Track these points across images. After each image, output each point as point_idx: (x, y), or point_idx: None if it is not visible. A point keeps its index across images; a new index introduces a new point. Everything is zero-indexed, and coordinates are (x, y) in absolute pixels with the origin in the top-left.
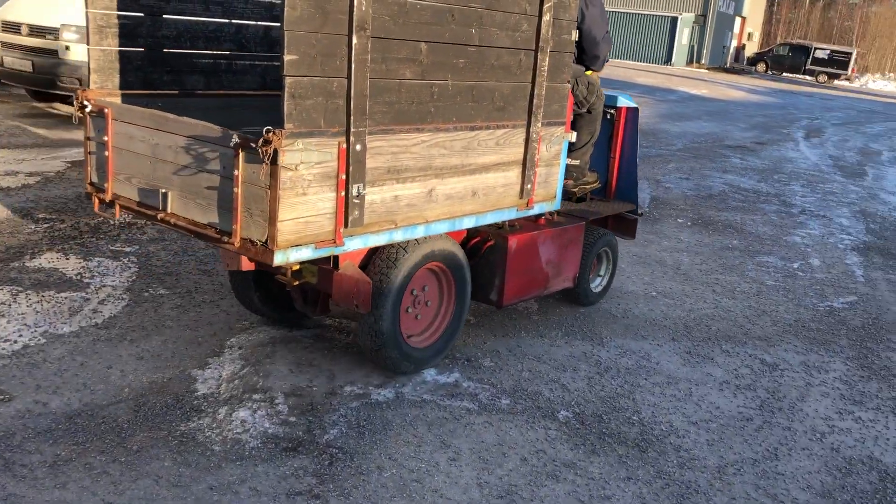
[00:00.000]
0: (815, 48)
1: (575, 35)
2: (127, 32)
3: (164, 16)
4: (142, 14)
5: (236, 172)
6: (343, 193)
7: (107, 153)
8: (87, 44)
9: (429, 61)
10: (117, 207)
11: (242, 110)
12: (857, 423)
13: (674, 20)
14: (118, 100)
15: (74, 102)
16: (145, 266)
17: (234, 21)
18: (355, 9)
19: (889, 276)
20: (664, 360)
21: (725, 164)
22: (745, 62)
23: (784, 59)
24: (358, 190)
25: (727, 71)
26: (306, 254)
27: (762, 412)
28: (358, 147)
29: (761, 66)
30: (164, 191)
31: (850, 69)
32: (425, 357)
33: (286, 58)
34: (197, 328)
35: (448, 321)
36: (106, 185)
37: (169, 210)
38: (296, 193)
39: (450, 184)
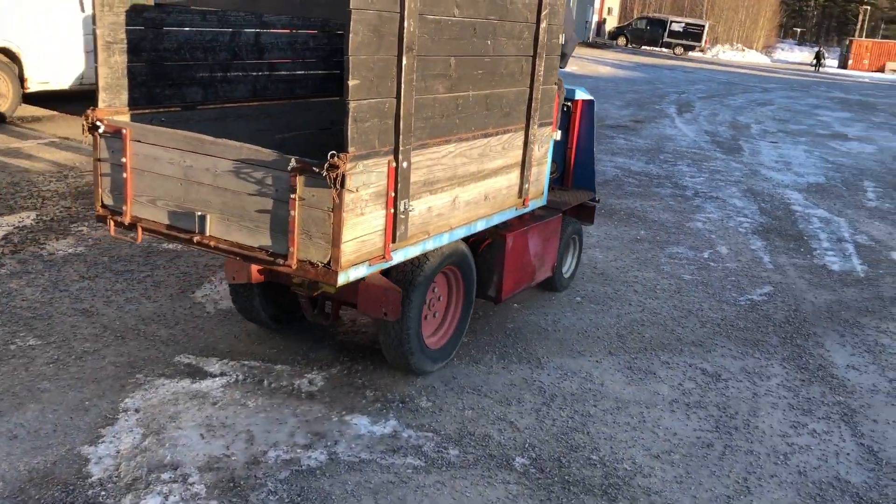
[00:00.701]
0: (671, 21)
1: (562, 38)
2: (132, 48)
3: (165, 28)
4: (144, 28)
5: (293, 196)
6: (392, 210)
7: (124, 175)
8: (96, 61)
9: (456, 75)
10: (139, 230)
11: (237, 120)
12: (814, 438)
13: None
14: (126, 117)
15: (84, 122)
16: (7, 309)
17: (227, 29)
18: (405, 30)
19: (794, 260)
20: (607, 379)
21: (612, 145)
22: (606, 36)
23: (643, 32)
24: (404, 206)
25: (591, 45)
26: (362, 271)
27: (720, 434)
28: (404, 164)
29: (622, 40)
30: (200, 213)
31: (703, 41)
32: (441, 357)
33: (351, 83)
34: (81, 388)
35: (457, 321)
36: (124, 207)
37: (207, 233)
38: (355, 214)
39: (469, 190)
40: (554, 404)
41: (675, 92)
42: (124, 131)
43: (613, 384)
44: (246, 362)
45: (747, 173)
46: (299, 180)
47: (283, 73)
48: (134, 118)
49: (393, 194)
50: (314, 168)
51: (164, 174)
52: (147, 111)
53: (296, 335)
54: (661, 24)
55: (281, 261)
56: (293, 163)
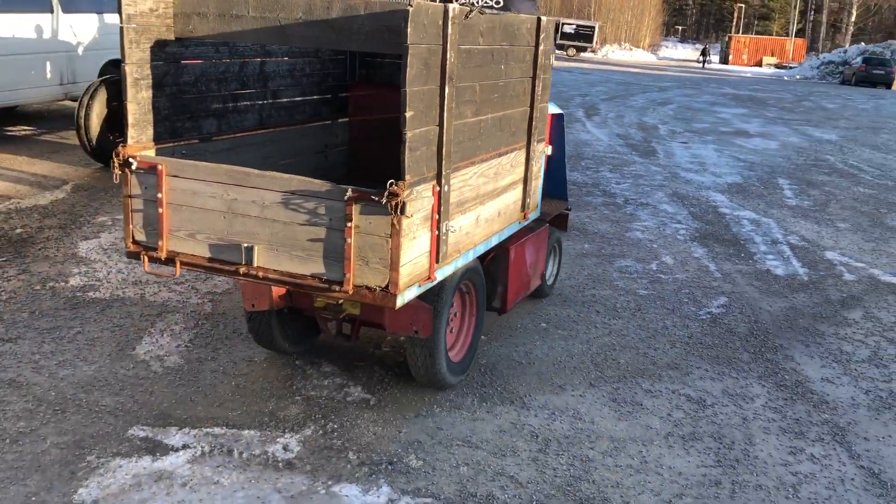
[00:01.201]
0: (563, 23)
1: (553, 58)
2: (157, 83)
3: (184, 62)
4: (166, 62)
5: (349, 224)
6: (436, 232)
7: (160, 210)
8: (125, 98)
9: (480, 100)
10: (178, 264)
11: (247, 149)
12: (815, 464)
13: None
14: (152, 152)
15: (115, 160)
16: None
17: (237, 60)
18: (447, 62)
19: (738, 266)
20: (596, 415)
21: None
22: None
23: None
24: (445, 227)
25: None
26: (413, 292)
27: (723, 469)
28: (446, 188)
29: None
30: (247, 245)
31: (594, 42)
32: (461, 370)
33: (407, 114)
34: (23, 480)
35: (472, 333)
36: (160, 242)
37: (255, 263)
38: (409, 239)
39: (487, 208)
40: (550, 450)
41: (578, 94)
42: (160, 167)
43: (604, 420)
44: (209, 430)
45: (668, 176)
46: (355, 209)
47: (283, 100)
48: (158, 152)
49: (437, 217)
50: (373, 197)
51: (206, 208)
52: (169, 145)
53: (256, 391)
54: (553, 26)
55: (337, 287)
56: (350, 193)
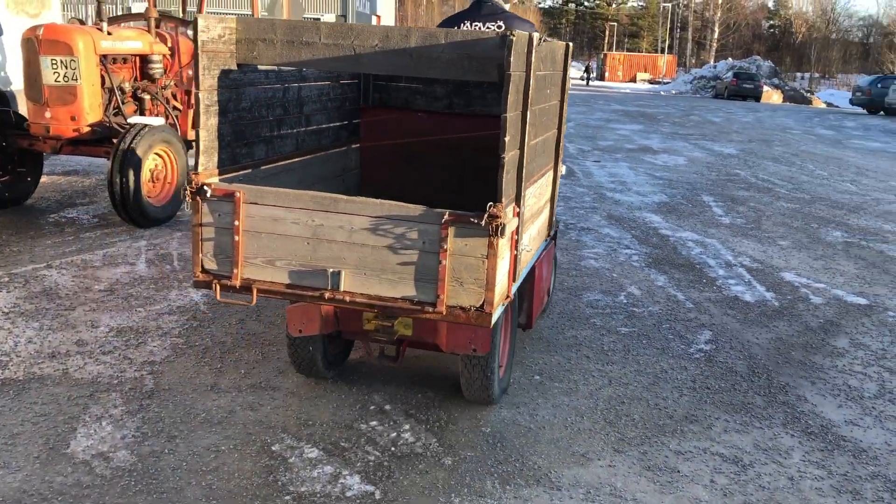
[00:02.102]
0: None
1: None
2: (221, 109)
3: (243, 88)
4: (229, 89)
5: (445, 246)
6: (515, 251)
7: (236, 238)
8: (197, 126)
9: (538, 123)
10: (254, 292)
11: (286, 174)
12: None
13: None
14: (216, 179)
15: (187, 189)
16: None
17: (279, 85)
18: (530, 88)
19: (705, 294)
20: (636, 490)
21: None
22: None
23: None
24: (521, 245)
25: None
26: (499, 311)
27: None
28: (523, 208)
29: None
30: (333, 270)
31: None
32: (505, 386)
33: (506, 139)
34: None
35: (509, 349)
36: (234, 271)
37: (342, 288)
38: (501, 258)
39: (535, 226)
40: None
41: None
42: (237, 194)
43: (646, 496)
44: None
45: (595, 197)
46: (450, 231)
47: (313, 126)
48: (221, 180)
49: (517, 237)
50: (472, 219)
51: (287, 234)
52: (230, 173)
53: (234, 492)
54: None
55: (430, 308)
56: (447, 216)
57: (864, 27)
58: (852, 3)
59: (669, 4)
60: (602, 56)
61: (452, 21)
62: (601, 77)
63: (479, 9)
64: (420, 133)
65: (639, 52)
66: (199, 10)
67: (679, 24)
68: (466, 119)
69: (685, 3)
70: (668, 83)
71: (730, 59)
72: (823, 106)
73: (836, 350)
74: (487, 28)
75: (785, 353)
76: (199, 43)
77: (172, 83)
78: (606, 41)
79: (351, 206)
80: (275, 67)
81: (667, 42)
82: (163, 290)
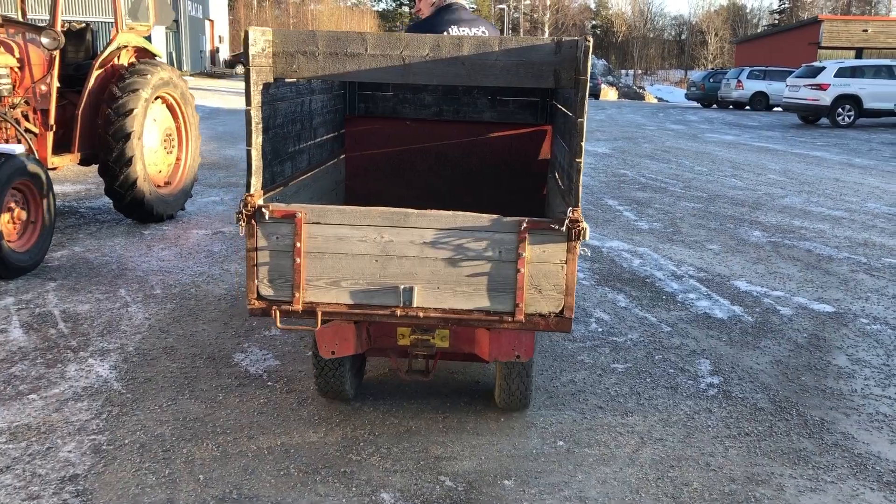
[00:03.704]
0: None
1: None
2: (266, 127)
3: (277, 103)
4: (270, 104)
5: (523, 254)
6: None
7: (297, 260)
8: (250, 145)
9: None
10: (319, 315)
11: (301, 191)
12: None
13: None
14: (261, 200)
15: (242, 212)
16: None
17: (299, 98)
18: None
19: (673, 313)
20: None
21: None
22: (222, 65)
23: None
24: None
25: (209, 76)
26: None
27: None
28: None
29: (240, 68)
30: (405, 286)
31: None
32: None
33: (582, 145)
34: None
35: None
36: (296, 294)
37: (415, 304)
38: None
39: None
40: None
41: None
42: (299, 215)
43: None
44: None
45: None
46: (528, 239)
47: (318, 139)
48: (265, 199)
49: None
50: (552, 226)
51: (353, 253)
52: (270, 192)
53: None
54: None
55: (508, 318)
56: (525, 224)
57: (677, 26)
58: (664, 4)
59: (504, 6)
60: None
61: (428, 26)
62: None
63: (451, 13)
64: (408, 142)
65: None
66: (54, 19)
67: (511, 26)
68: (456, 126)
69: (515, 4)
70: None
71: None
72: (655, 101)
73: (842, 370)
74: (475, 33)
75: (795, 380)
76: (250, 57)
77: (23, 101)
78: None
79: (422, 219)
80: (298, 80)
81: None
82: (56, 366)
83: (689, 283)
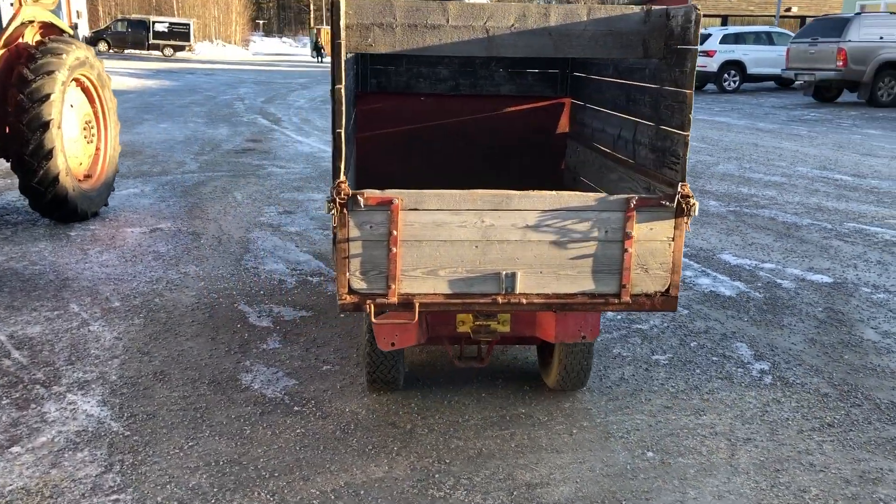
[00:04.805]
0: (154, 22)
1: None
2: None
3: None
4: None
5: (631, 233)
6: None
7: (393, 250)
8: (340, 128)
9: None
10: (416, 307)
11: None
12: None
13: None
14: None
15: (336, 200)
16: None
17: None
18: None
19: (682, 292)
20: None
21: (286, 180)
22: (83, 41)
23: (125, 35)
24: None
25: None
26: None
27: None
28: None
29: (103, 45)
30: (507, 272)
31: (191, 39)
32: None
33: (690, 117)
34: None
35: None
36: (391, 286)
37: (517, 291)
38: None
39: None
40: None
41: (234, 99)
42: (396, 201)
43: None
44: None
45: None
46: (633, 217)
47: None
48: None
49: None
50: (663, 202)
51: (452, 239)
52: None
53: None
54: (143, 25)
55: (614, 300)
56: (635, 201)
57: None
58: None
59: None
60: (315, 31)
61: None
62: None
63: None
64: (423, 119)
65: None
66: None
67: None
68: (473, 101)
69: None
70: None
71: None
72: None
73: (878, 346)
74: None
75: (839, 359)
76: (341, 29)
77: None
78: (313, 15)
79: (525, 201)
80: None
81: None
82: (29, 406)
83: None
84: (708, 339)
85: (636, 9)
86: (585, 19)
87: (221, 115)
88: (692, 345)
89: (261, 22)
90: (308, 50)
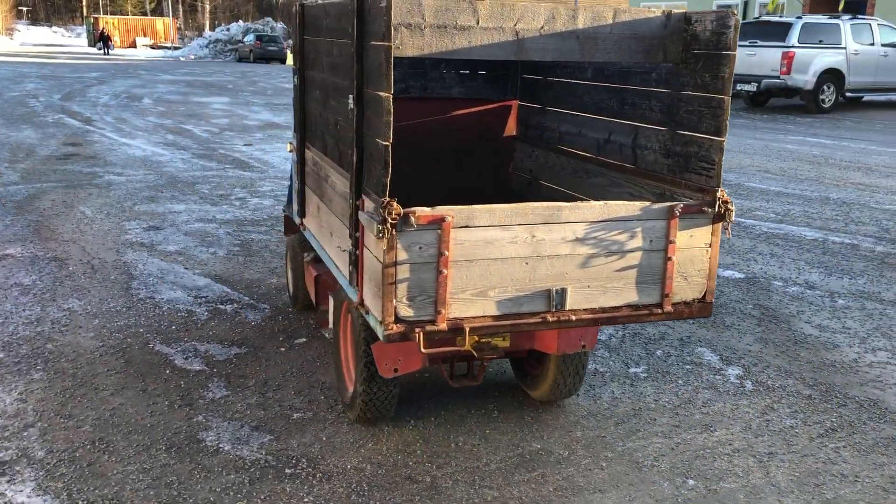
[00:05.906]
0: None
1: None
2: None
3: None
4: None
5: (674, 241)
6: None
7: (443, 272)
8: (388, 139)
9: None
10: (467, 332)
11: None
12: None
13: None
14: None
15: (387, 220)
16: None
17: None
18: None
19: None
20: None
21: (130, 203)
22: None
23: None
24: None
25: None
26: None
27: None
28: None
29: None
30: (557, 288)
31: None
32: None
33: (727, 122)
34: None
35: None
36: (441, 311)
37: (567, 307)
38: None
39: None
40: None
41: (24, 96)
42: (448, 219)
43: None
44: None
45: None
46: (675, 224)
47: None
48: None
49: None
50: (704, 209)
51: (502, 257)
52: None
53: None
54: None
55: (657, 310)
56: (679, 209)
57: None
58: None
59: None
60: (93, 21)
61: None
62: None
63: None
64: (413, 123)
65: (124, 14)
66: None
67: None
68: (422, 104)
69: None
70: (179, 49)
71: (241, 21)
72: None
73: (823, 342)
74: None
75: (797, 357)
76: (392, 29)
77: None
78: (85, 3)
79: (576, 212)
80: None
81: (153, 5)
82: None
83: None
84: (669, 345)
85: (658, 12)
86: (611, 22)
87: (18, 115)
88: (658, 353)
89: (24, 9)
90: (83, 41)
